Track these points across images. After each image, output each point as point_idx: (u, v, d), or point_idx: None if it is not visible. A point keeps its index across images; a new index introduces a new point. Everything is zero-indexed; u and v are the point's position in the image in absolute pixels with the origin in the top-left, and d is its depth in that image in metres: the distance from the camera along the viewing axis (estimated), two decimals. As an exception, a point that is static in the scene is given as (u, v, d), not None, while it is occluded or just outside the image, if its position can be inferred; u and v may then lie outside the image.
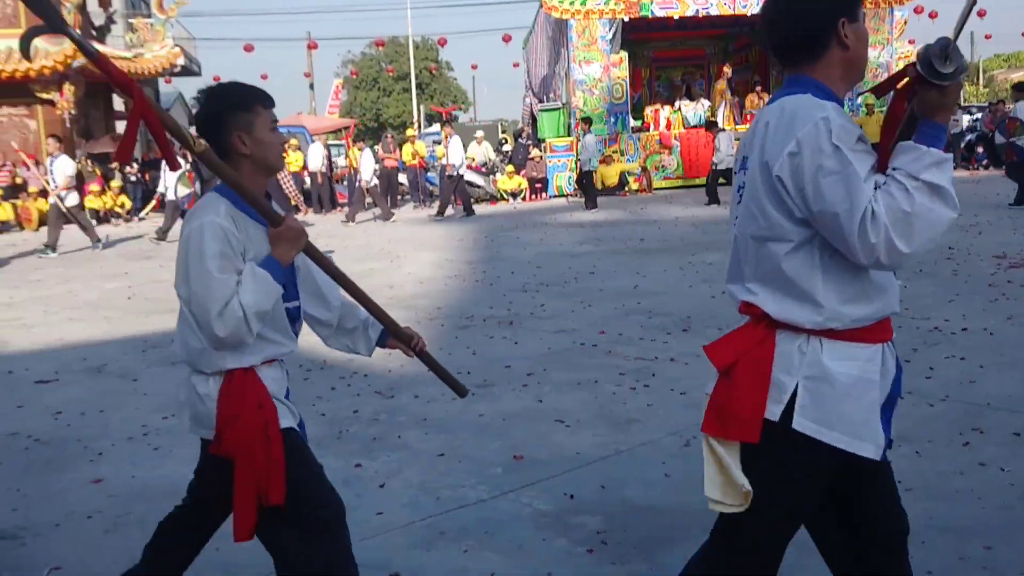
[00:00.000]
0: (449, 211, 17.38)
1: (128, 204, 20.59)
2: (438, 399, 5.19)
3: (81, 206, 14.86)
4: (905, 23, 22.65)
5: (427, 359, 2.73)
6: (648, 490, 3.74)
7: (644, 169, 20.32)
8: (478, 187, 20.73)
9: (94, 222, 16.38)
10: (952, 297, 7.25)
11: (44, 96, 20.07)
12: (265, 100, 2.37)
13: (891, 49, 20.99)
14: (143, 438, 4.78)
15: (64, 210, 14.05)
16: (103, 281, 10.80)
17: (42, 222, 19.41)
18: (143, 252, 13.94)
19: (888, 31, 20.84)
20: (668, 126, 21.45)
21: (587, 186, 17.33)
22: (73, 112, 20.29)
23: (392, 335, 2.69)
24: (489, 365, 5.91)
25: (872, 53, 20.53)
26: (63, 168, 14.13)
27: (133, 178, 21.49)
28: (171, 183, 14.97)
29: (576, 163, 18.44)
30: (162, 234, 14.58)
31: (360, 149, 18.56)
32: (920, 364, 5.36)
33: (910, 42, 24.05)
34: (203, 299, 2.20)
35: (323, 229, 16.43)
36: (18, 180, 19.91)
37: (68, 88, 19.98)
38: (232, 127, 2.32)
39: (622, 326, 6.79)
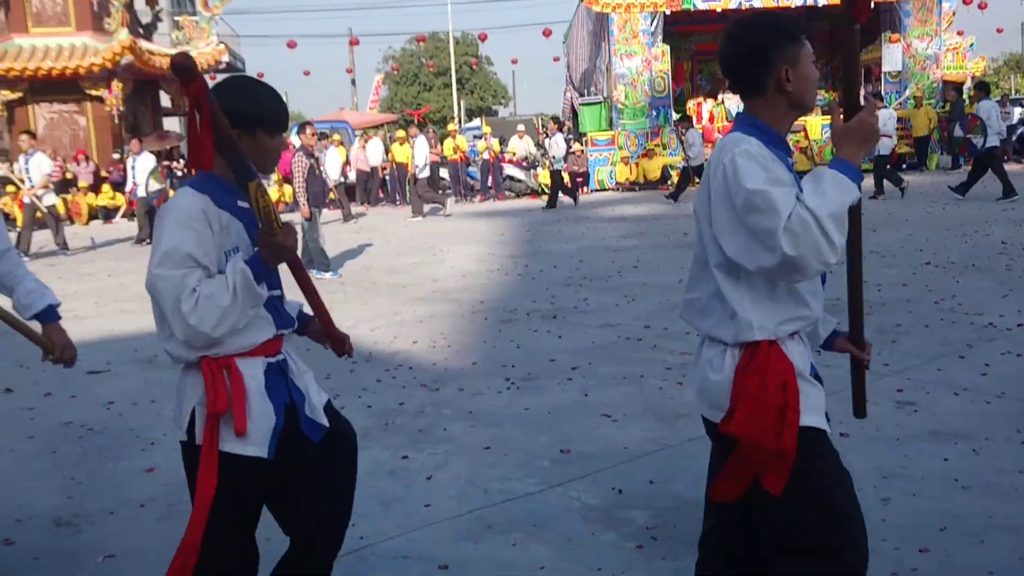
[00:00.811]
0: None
1: (174, 198, 20.91)
2: (483, 392, 5.20)
3: (54, 207, 14.17)
4: (953, 14, 22.19)
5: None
6: (698, 486, 3.67)
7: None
8: (518, 181, 20.72)
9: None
10: (1006, 292, 7.08)
11: (93, 93, 20.45)
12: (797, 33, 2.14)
13: (939, 41, 20.56)
14: (193, 428, 4.83)
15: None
16: (152, 274, 10.96)
17: (92, 216, 19.83)
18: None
19: (936, 22, 20.42)
20: (711, 119, 21.24)
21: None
22: (122, 108, 20.65)
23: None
24: (534, 359, 5.89)
25: (920, 45, 20.16)
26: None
27: (179, 172, 21.79)
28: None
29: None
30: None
31: (413, 136, 18.14)
32: (975, 360, 5.25)
33: (958, 33, 23.55)
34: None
35: (365, 223, 16.54)
36: (68, 175, 20.32)
37: (116, 85, 20.34)
38: (780, 60, 2.08)
39: (667, 321, 6.73)
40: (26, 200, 13.72)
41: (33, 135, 14.50)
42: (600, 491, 3.71)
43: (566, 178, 17.85)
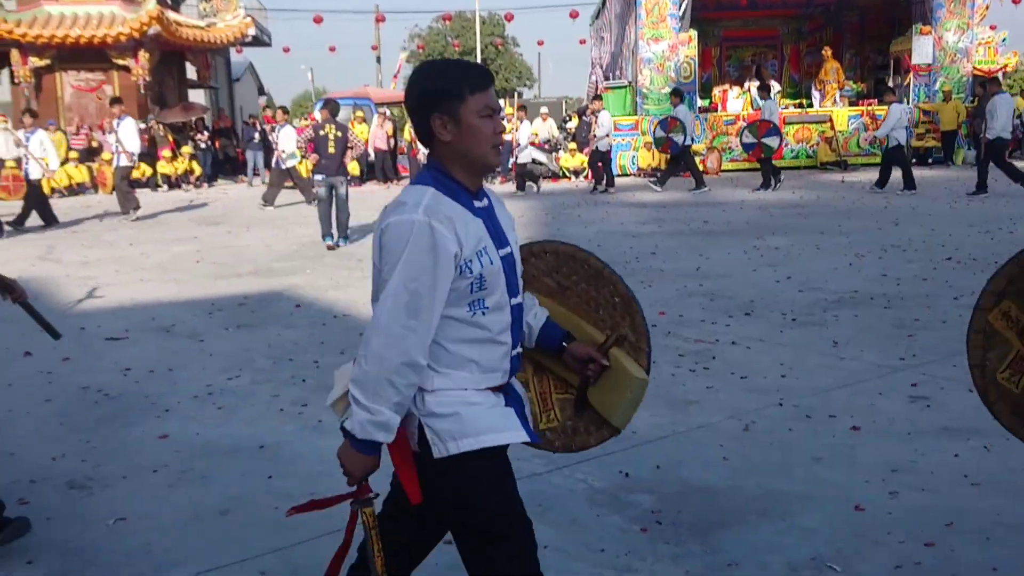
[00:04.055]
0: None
1: (198, 170, 20.99)
2: (495, 372, 5.21)
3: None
4: (987, 8, 21.76)
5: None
6: (705, 472, 3.71)
7: (710, 150, 20.00)
8: (540, 164, 20.63)
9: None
10: None
11: (120, 62, 20.53)
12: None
13: (971, 34, 20.22)
14: (208, 397, 4.89)
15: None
16: (172, 245, 11.06)
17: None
18: (212, 217, 14.22)
19: (969, 15, 20.09)
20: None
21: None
22: (148, 79, 20.73)
23: None
24: (547, 341, 5.89)
25: (951, 38, 19.85)
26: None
27: (203, 145, 21.89)
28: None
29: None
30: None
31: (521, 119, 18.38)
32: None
33: (991, 27, 23.15)
34: None
35: (383, 200, 16.54)
36: (94, 144, 20.46)
37: (143, 55, 20.41)
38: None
39: (683, 308, 6.72)
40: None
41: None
42: (607, 474, 3.72)
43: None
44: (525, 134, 17.15)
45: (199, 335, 6.33)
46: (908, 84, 20.39)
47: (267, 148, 21.20)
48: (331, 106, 11.01)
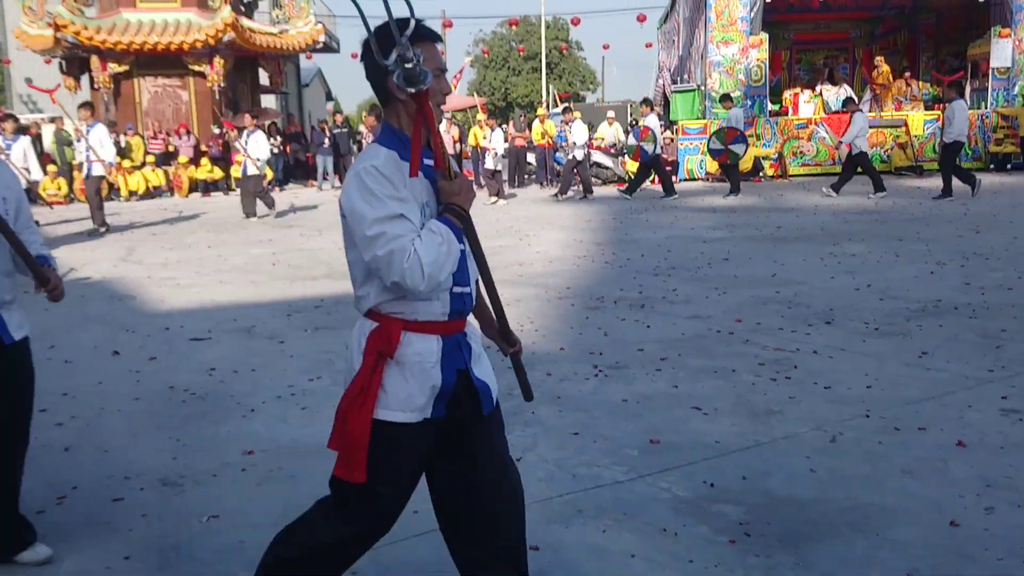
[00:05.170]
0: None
1: (270, 175, 21.40)
2: (571, 378, 5.21)
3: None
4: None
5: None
6: (792, 483, 3.65)
7: (780, 155, 19.69)
8: (606, 168, 20.56)
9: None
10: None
11: (196, 68, 21.09)
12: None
13: None
14: (291, 398, 4.99)
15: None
16: (249, 247, 11.31)
17: (192, 188, 20.48)
18: (285, 221, 14.51)
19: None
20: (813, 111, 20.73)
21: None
22: (222, 84, 21.24)
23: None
24: (621, 347, 5.88)
25: None
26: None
27: (275, 150, 22.33)
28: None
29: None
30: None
31: (491, 127, 18.73)
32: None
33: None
34: None
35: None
36: (171, 148, 21.02)
37: (218, 61, 20.92)
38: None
39: (760, 315, 6.62)
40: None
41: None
42: (691, 484, 3.69)
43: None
44: (580, 135, 17.09)
45: (279, 336, 6.46)
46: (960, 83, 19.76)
47: (336, 152, 21.58)
48: (377, 112, 11.32)
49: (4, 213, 3.09)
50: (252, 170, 14.35)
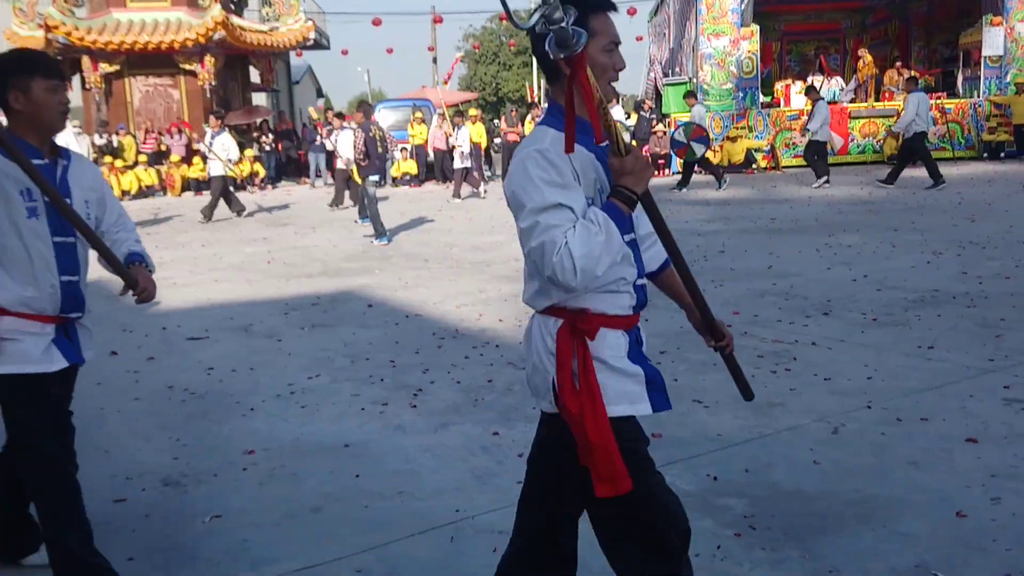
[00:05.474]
0: None
1: (262, 172, 21.35)
2: (572, 373, 5.19)
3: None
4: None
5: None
6: (796, 476, 3.64)
7: (772, 147, 19.70)
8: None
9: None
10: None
11: (187, 67, 21.00)
12: None
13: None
14: (290, 396, 4.97)
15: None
16: (243, 245, 11.27)
17: (184, 187, 20.41)
18: (280, 219, 14.46)
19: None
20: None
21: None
22: (213, 83, 21.15)
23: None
24: (621, 341, 5.85)
25: (1023, 29, 19.22)
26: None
27: (267, 147, 22.27)
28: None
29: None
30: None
31: (458, 125, 18.81)
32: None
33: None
34: None
35: (441, 199, 16.65)
36: (163, 147, 20.95)
37: (209, 60, 20.85)
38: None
39: (757, 307, 6.62)
40: None
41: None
42: (695, 477, 3.68)
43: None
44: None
45: (277, 334, 6.43)
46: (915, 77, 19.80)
47: (328, 150, 21.51)
48: (365, 108, 11.85)
49: (87, 216, 2.93)
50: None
